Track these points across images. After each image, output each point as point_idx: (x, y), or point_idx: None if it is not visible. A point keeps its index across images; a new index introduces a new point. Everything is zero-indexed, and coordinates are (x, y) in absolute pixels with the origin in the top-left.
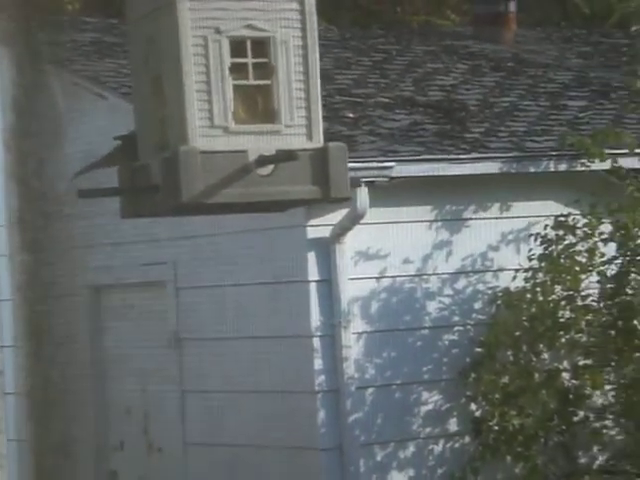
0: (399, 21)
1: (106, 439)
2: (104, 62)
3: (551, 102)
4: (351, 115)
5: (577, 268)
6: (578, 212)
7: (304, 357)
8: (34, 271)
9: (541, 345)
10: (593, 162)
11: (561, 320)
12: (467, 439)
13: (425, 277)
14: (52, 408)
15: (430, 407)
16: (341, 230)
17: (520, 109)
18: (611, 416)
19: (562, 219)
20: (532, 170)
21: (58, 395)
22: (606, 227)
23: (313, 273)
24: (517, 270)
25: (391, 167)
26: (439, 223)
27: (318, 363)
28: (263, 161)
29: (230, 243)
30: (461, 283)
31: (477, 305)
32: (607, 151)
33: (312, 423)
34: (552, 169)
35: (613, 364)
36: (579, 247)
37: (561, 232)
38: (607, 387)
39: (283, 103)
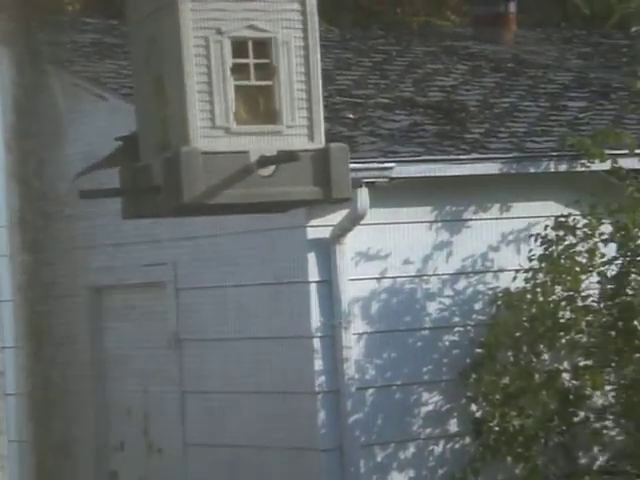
0: (399, 22)
1: (106, 439)
2: (104, 63)
3: (551, 103)
4: (351, 116)
5: (577, 269)
6: (578, 213)
7: (304, 358)
8: (35, 271)
9: (541, 346)
10: (593, 163)
11: (561, 321)
12: (467, 440)
13: (425, 278)
14: (52, 408)
15: (430, 408)
16: (341, 231)
17: (520, 110)
18: (611, 417)
19: (562, 220)
20: (532, 171)
21: (58, 395)
22: (606, 228)
23: (313, 274)
24: (517, 271)
25: (391, 168)
26: (439, 224)
27: (318, 364)
28: (264, 162)
29: (231, 244)
30: (461, 284)
31: (477, 306)
32: (607, 152)
33: (312, 424)
34: (552, 170)
35: (613, 365)
36: (579, 248)
37: (561, 233)
38: (607, 388)
39: (284, 104)
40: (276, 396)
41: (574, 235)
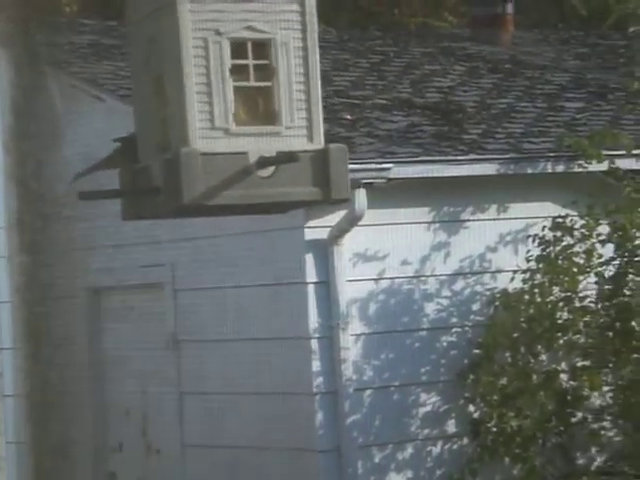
0: (397, 23)
1: (105, 440)
2: (102, 64)
3: (548, 103)
4: (349, 117)
5: (575, 269)
6: (576, 213)
7: (302, 359)
8: (33, 273)
9: (539, 346)
10: (590, 163)
11: (559, 321)
12: (465, 440)
13: (423, 278)
14: (51, 410)
15: (428, 408)
16: (339, 232)
17: (517, 110)
18: (609, 417)
19: (560, 220)
20: (529, 171)
21: (56, 397)
22: (604, 228)
23: (311, 275)
24: (515, 271)
25: (389, 169)
26: (437, 224)
27: (316, 365)
28: (264, 163)
29: (229, 245)
30: (459, 284)
31: (475, 306)
32: (604, 152)
33: (310, 425)
34: (549, 170)
35: (611, 365)
36: (577, 248)
37: (559, 233)
38: (605, 388)
39: (284, 105)
40: (274, 397)
41: (572, 236)
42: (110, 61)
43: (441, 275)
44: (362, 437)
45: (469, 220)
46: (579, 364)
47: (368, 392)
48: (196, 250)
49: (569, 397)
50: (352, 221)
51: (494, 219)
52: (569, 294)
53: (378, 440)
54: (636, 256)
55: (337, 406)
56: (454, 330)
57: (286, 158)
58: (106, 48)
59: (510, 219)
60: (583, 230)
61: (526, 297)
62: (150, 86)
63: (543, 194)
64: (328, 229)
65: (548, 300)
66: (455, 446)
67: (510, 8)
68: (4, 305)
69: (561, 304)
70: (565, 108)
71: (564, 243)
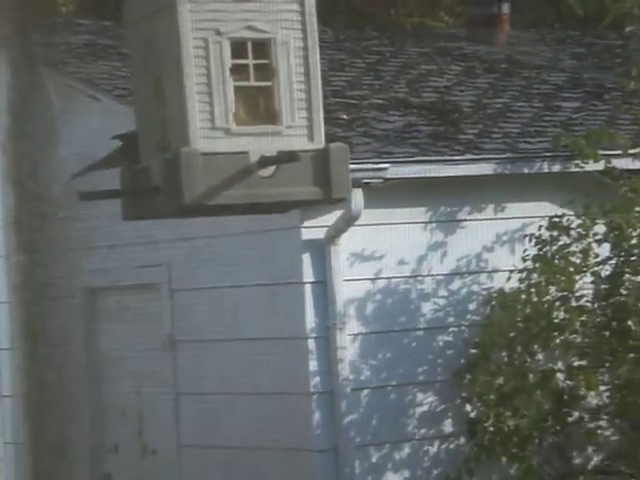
0: (393, 23)
1: (101, 441)
2: (98, 64)
3: (545, 103)
4: (345, 117)
5: (571, 269)
6: (572, 213)
7: (299, 359)
8: (30, 272)
9: (535, 346)
10: (587, 163)
11: (555, 321)
12: (462, 440)
13: (420, 278)
14: (48, 410)
15: (425, 408)
16: (336, 232)
17: (514, 110)
18: (605, 417)
19: (556, 220)
20: (526, 171)
21: (54, 397)
22: (600, 228)
23: (308, 275)
24: (511, 271)
25: (385, 168)
26: (434, 224)
27: (313, 365)
28: (264, 162)
29: (225, 245)
30: (456, 284)
31: (472, 306)
32: (601, 152)
33: (307, 425)
34: (546, 170)
35: (607, 365)
36: (573, 248)
37: (555, 233)
38: (601, 388)
39: (284, 104)
40: (271, 397)
41: (568, 235)
42: (106, 61)
43: (438, 275)
44: (359, 437)
45: (466, 220)
46: (576, 363)
47: (365, 392)
48: (192, 250)
49: (566, 396)
50: (349, 221)
51: (491, 219)
52: (565, 293)
53: (375, 440)
54: (632, 255)
55: (334, 406)
56: (451, 330)
57: (287, 158)
58: (102, 48)
59: (507, 219)
60: (580, 230)
61: (523, 297)
62: (150, 86)
63: (540, 194)
64: (325, 229)
65: (545, 300)
66: (452, 446)
67: (506, 8)
68: (2, 305)
69: (557, 303)
70: (561, 108)
71: (560, 243)
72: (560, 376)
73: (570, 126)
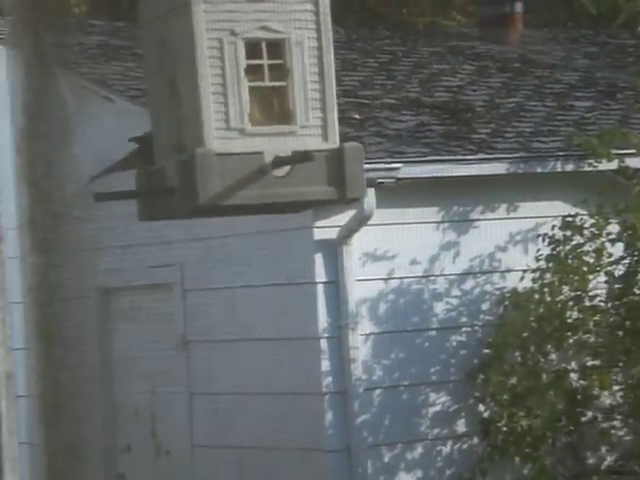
0: (405, 22)
1: (114, 441)
2: (111, 65)
3: (558, 102)
4: (357, 117)
5: (585, 268)
6: (585, 212)
7: (312, 359)
8: (45, 273)
9: (549, 346)
10: (600, 162)
11: (569, 321)
12: (475, 440)
13: (432, 278)
14: (62, 410)
15: (438, 408)
16: (348, 231)
17: (526, 110)
18: (619, 416)
19: (569, 219)
20: (539, 170)
21: (68, 398)
22: (613, 227)
23: (320, 274)
24: (525, 271)
25: (398, 168)
26: (446, 224)
27: (326, 364)
28: (279, 162)
29: (237, 245)
30: (469, 284)
31: (485, 306)
32: (614, 151)
33: (320, 424)
34: (559, 169)
35: (621, 364)
36: (587, 247)
37: (568, 232)
38: (615, 387)
39: (298, 104)
40: (283, 397)
41: (581, 235)
42: (119, 62)
43: (450, 275)
44: (372, 437)
45: (478, 220)
46: (589, 363)
47: (378, 392)
48: (205, 250)
49: (579, 396)
50: (361, 221)
51: (504, 218)
52: (579, 293)
53: (388, 440)
54: None
55: (346, 406)
56: (464, 330)
57: (301, 157)
58: (115, 49)
59: (520, 218)
60: (593, 229)
61: (536, 296)
62: (164, 87)
63: (553, 193)
64: (337, 229)
65: (558, 299)
66: (465, 446)
67: (519, 7)
68: (16, 306)
69: (571, 303)
70: (574, 107)
71: (574, 242)
72: (573, 376)
73: (583, 125)
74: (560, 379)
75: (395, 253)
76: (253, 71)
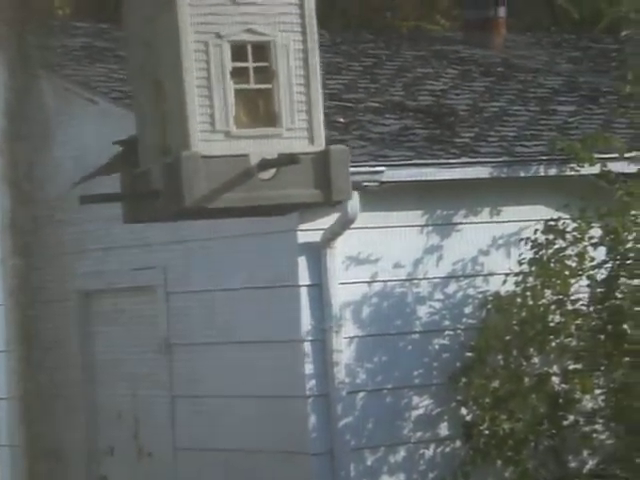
0: (389, 26)
1: (97, 444)
2: (95, 67)
3: (541, 107)
4: (341, 120)
5: (567, 272)
6: (568, 216)
7: (295, 362)
8: (26, 276)
9: (531, 349)
10: (583, 167)
11: (551, 324)
12: (458, 443)
13: (416, 282)
14: (44, 412)
15: (421, 411)
16: (332, 235)
17: (510, 114)
18: (601, 420)
19: (552, 223)
20: (522, 175)
21: (49, 400)
22: (596, 231)
23: (304, 278)
24: (507, 274)
25: (381, 172)
26: (430, 227)
27: (309, 368)
28: (265, 165)
29: (221, 248)
30: (452, 287)
31: (467, 309)
32: (596, 155)
33: (303, 428)
34: (542, 174)
35: (603, 368)
36: (569, 251)
37: (551, 236)
38: (597, 391)
39: (284, 107)
40: (266, 400)
41: (564, 239)
42: (103, 64)
43: (434, 278)
44: (355, 440)
45: (462, 223)
46: (571, 367)
47: (361, 395)
48: (188, 253)
49: (561, 400)
50: (345, 224)
51: (487, 222)
52: (561, 297)
53: (371, 443)
54: (628, 259)
55: (330, 409)
56: (446, 333)
57: (287, 160)
58: (99, 51)
59: (502, 222)
60: (575, 233)
61: (518, 300)
62: (149, 90)
63: (535, 197)
64: (321, 232)
65: (540, 303)
66: (447, 449)
67: (502, 11)
68: None
69: (553, 307)
70: (557, 111)
71: (556, 246)
72: (555, 379)
73: (566, 130)
74: (542, 383)
75: (379, 256)
76: (239, 74)
